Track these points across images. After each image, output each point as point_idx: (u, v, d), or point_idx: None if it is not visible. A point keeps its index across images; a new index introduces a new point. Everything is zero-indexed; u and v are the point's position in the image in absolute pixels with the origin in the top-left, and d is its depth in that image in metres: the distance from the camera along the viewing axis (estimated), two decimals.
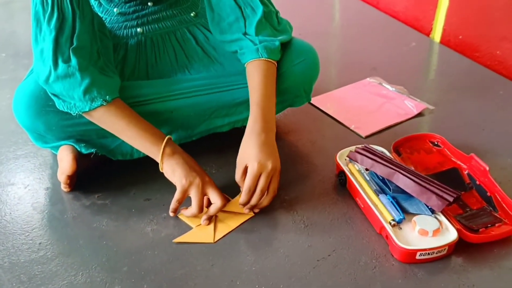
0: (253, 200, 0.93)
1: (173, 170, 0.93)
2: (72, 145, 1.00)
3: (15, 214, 0.98)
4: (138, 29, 1.07)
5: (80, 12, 0.91)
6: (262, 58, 1.01)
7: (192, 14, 1.12)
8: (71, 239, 0.92)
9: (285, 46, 1.07)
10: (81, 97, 0.91)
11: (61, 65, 0.90)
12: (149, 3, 1.07)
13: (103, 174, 1.07)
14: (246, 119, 0.98)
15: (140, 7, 1.07)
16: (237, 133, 1.02)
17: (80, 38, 0.91)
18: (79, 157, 1.00)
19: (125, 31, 1.08)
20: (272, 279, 0.84)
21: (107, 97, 0.92)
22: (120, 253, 0.89)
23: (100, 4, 1.08)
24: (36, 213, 0.98)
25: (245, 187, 0.92)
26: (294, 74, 1.06)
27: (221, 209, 0.94)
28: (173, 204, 0.94)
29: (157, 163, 0.94)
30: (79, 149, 1.00)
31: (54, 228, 0.95)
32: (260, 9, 1.02)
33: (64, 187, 1.02)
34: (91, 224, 0.95)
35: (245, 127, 0.97)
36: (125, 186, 1.04)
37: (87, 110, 0.92)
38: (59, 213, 0.98)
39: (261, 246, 0.90)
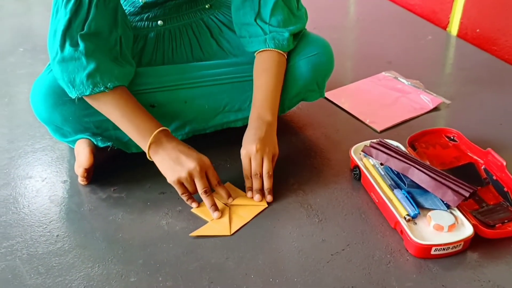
0: (254, 185, 0.97)
1: (161, 167, 0.95)
2: (88, 138, 1.01)
3: (33, 206, 1.00)
4: (159, 22, 1.09)
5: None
6: (270, 49, 1.02)
7: (207, 6, 1.12)
8: (87, 231, 0.94)
9: (299, 38, 1.07)
10: (83, 81, 0.92)
11: (68, 48, 0.91)
12: None
13: (119, 168, 1.08)
14: None
15: None
16: None
17: (93, 25, 0.92)
18: (95, 151, 1.01)
19: (146, 22, 1.09)
20: (286, 272, 0.84)
21: (109, 84, 0.93)
22: (136, 246, 0.90)
23: None
24: (54, 205, 1.00)
25: (244, 174, 0.98)
26: (306, 66, 1.06)
27: (221, 185, 0.96)
28: (184, 199, 0.96)
29: None
30: (95, 143, 1.01)
31: (71, 221, 0.96)
32: None
33: (81, 180, 1.03)
34: (107, 217, 0.96)
35: None
36: (141, 180, 1.05)
37: (87, 94, 0.93)
38: (76, 206, 1.00)
39: (275, 240, 0.91)
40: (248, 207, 0.97)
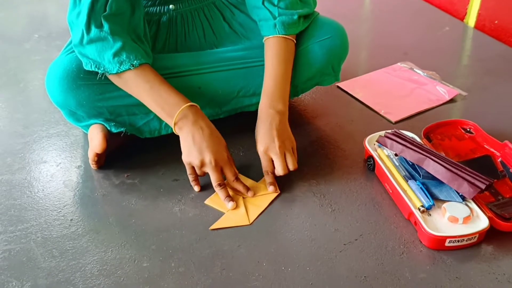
0: (279, 172, 0.96)
1: (183, 142, 0.95)
2: (102, 124, 1.02)
3: (48, 191, 1.01)
4: (171, 6, 1.09)
5: None
6: (279, 36, 1.02)
7: None
8: (101, 216, 0.94)
9: (312, 21, 1.07)
10: (110, 59, 0.93)
11: (93, 29, 0.92)
12: None
13: (133, 154, 1.08)
14: None
15: None
16: None
17: (114, 5, 0.93)
18: (109, 136, 1.01)
19: (158, 7, 1.09)
20: (298, 261, 0.84)
21: (135, 61, 0.94)
22: (149, 232, 0.90)
23: None
24: (68, 190, 1.01)
25: (263, 170, 0.98)
26: (320, 50, 1.05)
27: (237, 179, 0.96)
28: (190, 179, 0.97)
29: None
30: (109, 128, 1.01)
31: (85, 205, 0.97)
32: None
33: (91, 164, 1.04)
34: (121, 203, 0.97)
35: None
36: (154, 166, 1.05)
37: (114, 72, 0.94)
38: (89, 191, 1.00)
39: (288, 229, 0.90)
40: (261, 196, 0.97)
